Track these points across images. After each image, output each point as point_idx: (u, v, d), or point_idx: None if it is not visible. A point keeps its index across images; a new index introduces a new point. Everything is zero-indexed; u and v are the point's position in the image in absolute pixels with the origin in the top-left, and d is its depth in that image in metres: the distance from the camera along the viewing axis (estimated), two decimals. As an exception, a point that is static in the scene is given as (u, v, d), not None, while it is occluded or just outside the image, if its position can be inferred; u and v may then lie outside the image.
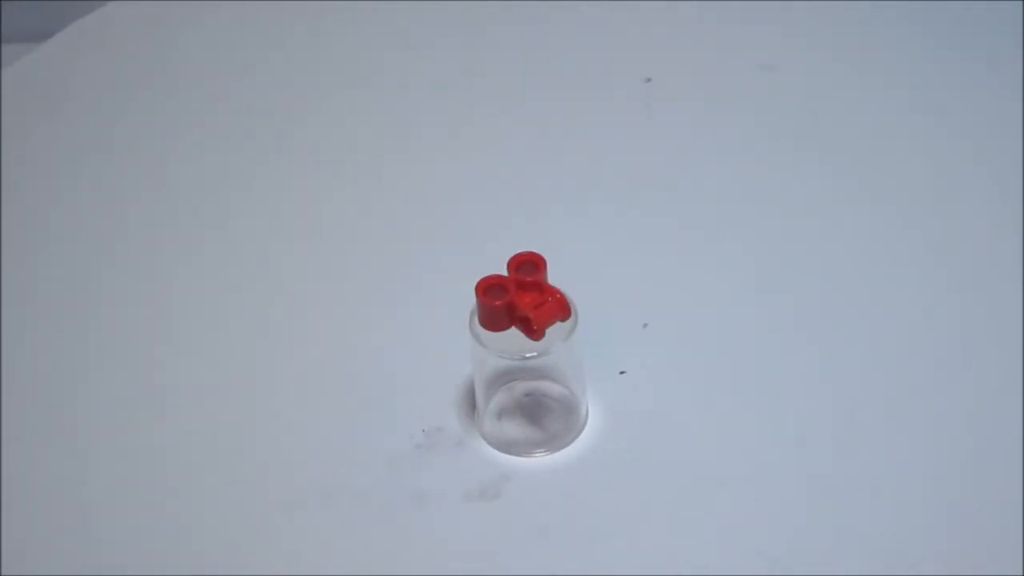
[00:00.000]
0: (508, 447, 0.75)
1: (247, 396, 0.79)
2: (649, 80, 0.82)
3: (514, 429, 0.76)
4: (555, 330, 0.72)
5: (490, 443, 0.75)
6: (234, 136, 0.94)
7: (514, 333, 0.72)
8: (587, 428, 0.76)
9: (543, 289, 0.72)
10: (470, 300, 0.72)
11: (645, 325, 0.77)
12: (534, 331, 0.71)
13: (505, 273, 0.72)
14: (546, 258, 0.72)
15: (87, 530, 0.73)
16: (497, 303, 0.71)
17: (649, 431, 0.76)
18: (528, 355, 0.72)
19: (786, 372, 0.78)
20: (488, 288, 0.71)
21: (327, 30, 1.02)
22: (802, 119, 0.93)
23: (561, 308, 0.72)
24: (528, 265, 0.72)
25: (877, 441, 0.75)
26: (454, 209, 0.88)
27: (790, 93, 0.95)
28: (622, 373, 0.76)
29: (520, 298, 0.71)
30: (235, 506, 0.74)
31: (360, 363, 0.80)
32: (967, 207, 0.86)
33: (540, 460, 0.75)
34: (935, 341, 0.79)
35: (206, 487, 0.75)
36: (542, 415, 0.76)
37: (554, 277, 0.72)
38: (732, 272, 0.83)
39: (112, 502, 0.74)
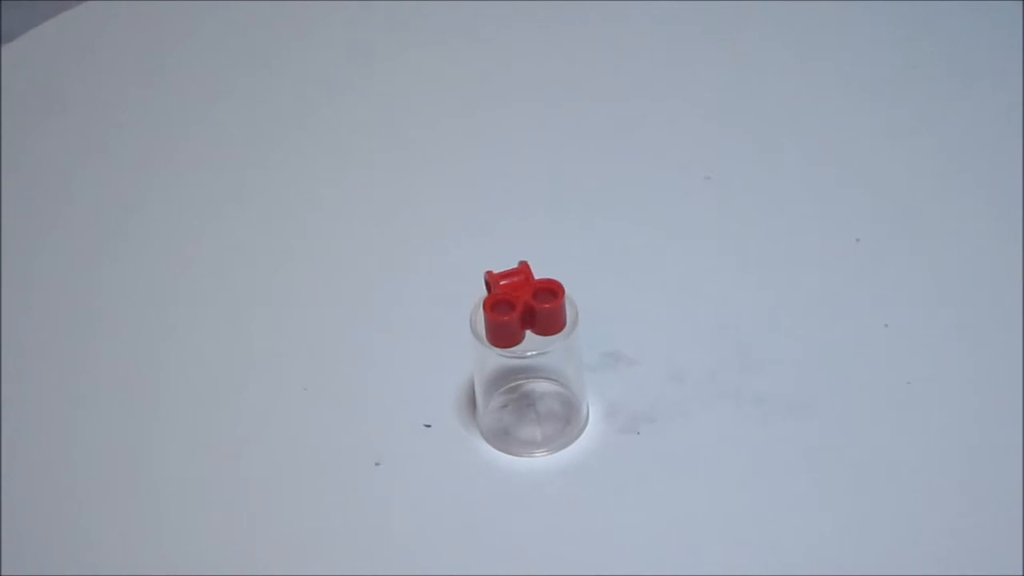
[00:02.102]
0: (508, 447, 0.75)
1: (245, 398, 0.79)
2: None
3: (514, 429, 0.76)
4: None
5: (490, 443, 0.75)
6: (232, 134, 0.94)
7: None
8: (587, 428, 0.76)
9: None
10: (470, 299, 0.72)
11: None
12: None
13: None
14: (545, 260, 0.73)
15: (87, 531, 0.73)
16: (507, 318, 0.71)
17: (650, 431, 0.76)
18: (528, 354, 0.72)
19: (787, 372, 0.78)
20: (495, 305, 0.72)
21: (327, 29, 1.02)
22: (802, 120, 0.93)
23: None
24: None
25: (878, 440, 0.75)
26: (454, 208, 0.88)
27: (789, 93, 0.95)
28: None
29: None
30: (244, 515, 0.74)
31: (360, 363, 0.80)
32: (967, 208, 0.86)
33: (540, 460, 0.75)
34: (935, 344, 0.79)
35: (209, 492, 0.75)
36: (542, 415, 0.76)
37: (556, 277, 0.72)
38: (732, 272, 0.83)
39: (112, 504, 0.74)
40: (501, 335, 0.71)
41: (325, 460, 0.75)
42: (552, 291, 0.72)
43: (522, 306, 0.71)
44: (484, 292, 0.73)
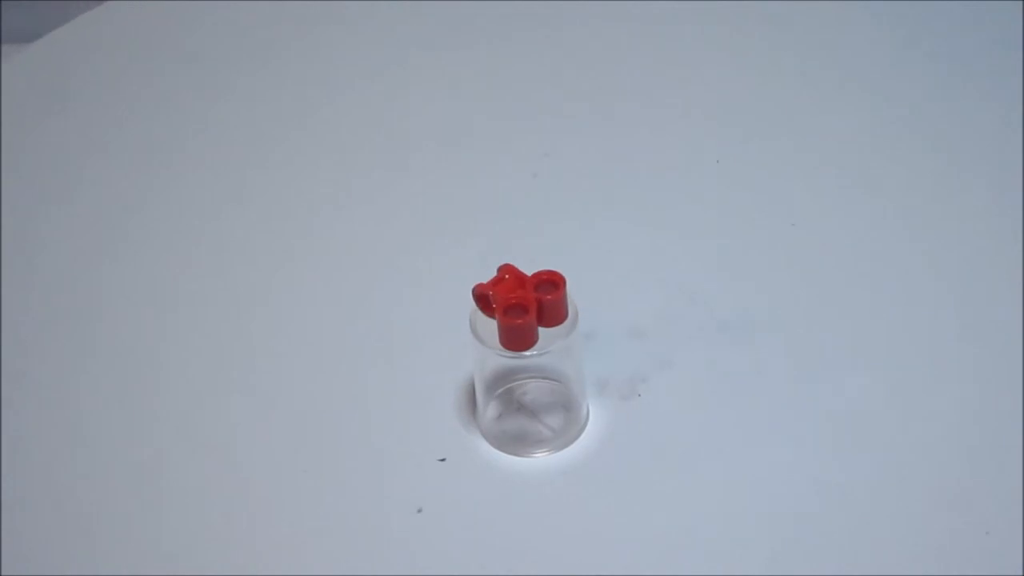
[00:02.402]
0: (508, 447, 0.75)
1: (245, 397, 0.79)
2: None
3: (514, 429, 0.76)
4: (555, 329, 0.72)
5: (490, 443, 0.75)
6: (233, 136, 0.94)
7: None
8: (587, 428, 0.76)
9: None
10: (470, 300, 0.72)
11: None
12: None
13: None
14: (541, 261, 0.73)
15: (87, 531, 0.73)
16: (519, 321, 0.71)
17: (650, 431, 0.76)
18: (528, 354, 0.72)
19: (786, 372, 0.78)
20: (507, 310, 0.71)
21: (327, 29, 1.02)
22: (802, 121, 0.93)
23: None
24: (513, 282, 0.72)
25: (878, 441, 0.75)
26: (455, 209, 0.88)
27: (790, 93, 0.95)
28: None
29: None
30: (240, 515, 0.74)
31: (360, 363, 0.80)
32: (967, 209, 0.86)
33: (540, 460, 0.75)
34: (935, 345, 0.79)
35: (207, 492, 0.75)
36: (542, 415, 0.76)
37: (543, 270, 0.73)
38: (731, 272, 0.83)
39: (112, 504, 0.74)
40: (516, 338, 0.71)
41: (324, 460, 0.75)
42: (554, 282, 0.72)
43: (533, 304, 0.71)
44: (484, 292, 0.73)
